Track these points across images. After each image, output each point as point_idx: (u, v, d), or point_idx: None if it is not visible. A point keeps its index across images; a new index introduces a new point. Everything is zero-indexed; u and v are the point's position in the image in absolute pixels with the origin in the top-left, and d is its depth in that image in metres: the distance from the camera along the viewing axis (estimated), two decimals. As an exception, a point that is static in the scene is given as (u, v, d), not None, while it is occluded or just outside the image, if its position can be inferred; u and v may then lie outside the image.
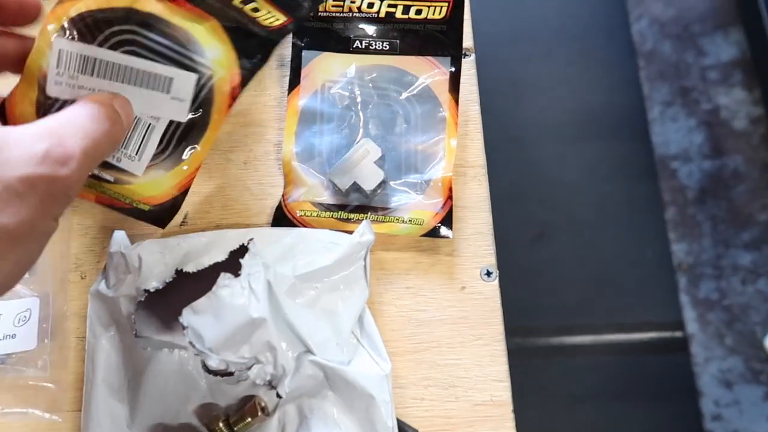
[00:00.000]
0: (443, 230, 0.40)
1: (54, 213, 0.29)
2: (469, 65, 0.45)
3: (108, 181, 0.39)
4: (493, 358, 0.39)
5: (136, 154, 0.38)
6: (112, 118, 0.33)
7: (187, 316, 0.35)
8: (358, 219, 0.41)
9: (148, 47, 0.37)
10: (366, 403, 0.36)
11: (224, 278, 0.36)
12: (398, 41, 0.43)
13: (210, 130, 0.39)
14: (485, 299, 0.40)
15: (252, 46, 0.38)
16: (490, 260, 0.41)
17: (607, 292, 1.13)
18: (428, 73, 0.43)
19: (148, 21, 0.37)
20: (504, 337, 0.40)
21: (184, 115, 0.38)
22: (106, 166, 0.38)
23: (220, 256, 0.38)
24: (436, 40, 0.43)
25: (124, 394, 0.38)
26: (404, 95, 0.43)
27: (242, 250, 0.38)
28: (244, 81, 0.38)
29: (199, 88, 0.38)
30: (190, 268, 0.38)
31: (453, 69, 0.43)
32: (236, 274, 0.36)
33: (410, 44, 0.43)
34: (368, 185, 0.41)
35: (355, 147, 0.41)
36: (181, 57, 0.37)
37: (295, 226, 0.41)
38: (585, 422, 1.06)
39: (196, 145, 0.38)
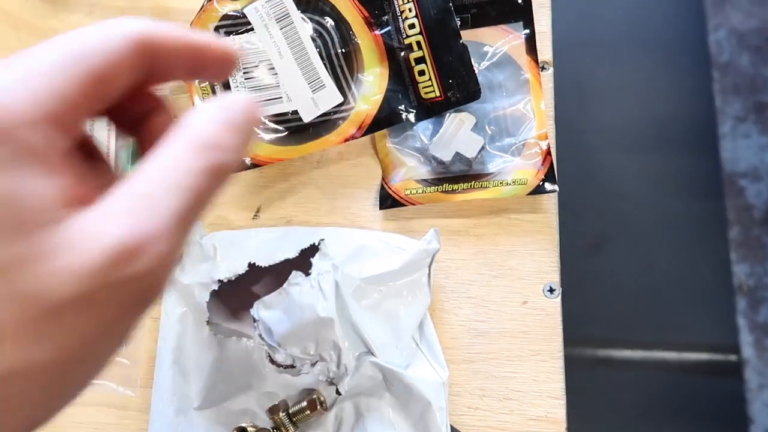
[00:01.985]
0: (548, 186, 0.41)
1: (122, 330, 0.19)
2: (547, 79, 0.45)
3: None
4: (550, 374, 0.39)
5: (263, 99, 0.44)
6: (224, 142, 0.21)
7: (258, 310, 0.37)
8: (464, 189, 0.42)
9: (326, 45, 0.44)
10: (422, 408, 0.37)
11: (295, 276, 0.37)
12: (469, 16, 0.44)
13: (312, 145, 0.43)
14: (546, 315, 0.41)
15: (395, 105, 0.44)
16: (553, 277, 0.41)
17: (661, 308, 1.11)
18: (503, 39, 0.44)
19: (342, 26, 0.42)
20: (562, 355, 0.40)
21: (309, 118, 0.44)
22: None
23: (292, 253, 0.40)
24: (506, 8, 0.44)
25: (191, 376, 0.40)
26: (484, 65, 0.44)
27: (313, 249, 0.39)
28: (369, 130, 0.44)
29: (335, 110, 0.44)
30: (262, 262, 0.39)
31: (527, 32, 0.44)
32: (306, 273, 0.38)
33: (481, 17, 0.44)
34: (470, 152, 0.42)
35: (448, 120, 0.43)
36: (342, 75, 0.43)
37: (403, 205, 0.43)
38: (626, 437, 1.05)
39: (295, 145, 0.43)
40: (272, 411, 0.39)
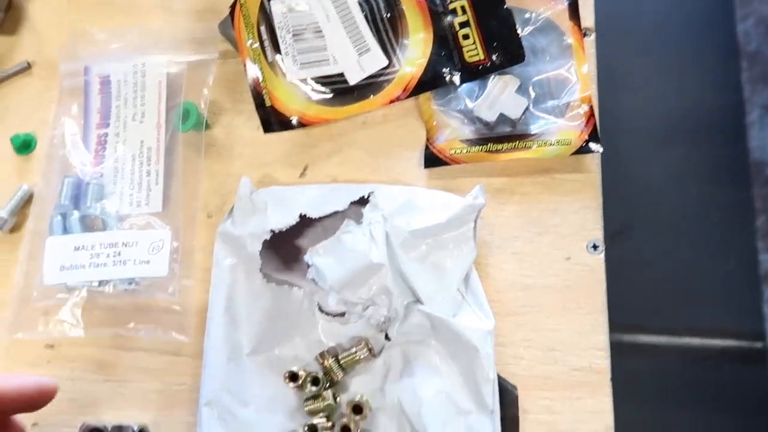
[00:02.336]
0: (592, 145, 0.42)
1: None
2: (589, 45, 0.46)
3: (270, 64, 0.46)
4: (594, 327, 0.40)
5: (301, 63, 0.46)
6: None
7: (311, 256, 0.38)
8: (508, 149, 0.43)
9: (372, 10, 0.45)
10: (469, 355, 0.38)
11: (348, 224, 0.38)
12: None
13: (357, 106, 0.44)
14: (590, 271, 0.41)
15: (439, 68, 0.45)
16: (597, 234, 0.42)
17: (685, 295, 1.10)
18: (545, 5, 0.46)
19: None
20: (606, 309, 0.41)
21: (354, 80, 0.45)
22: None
23: (341, 205, 0.41)
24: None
25: (243, 324, 0.41)
26: (527, 30, 0.45)
27: (362, 202, 0.40)
28: (414, 93, 0.45)
29: (381, 73, 0.45)
30: (313, 213, 0.41)
31: None
32: (357, 223, 0.39)
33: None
34: (514, 113, 0.43)
35: (492, 82, 0.44)
36: (387, 39, 0.45)
37: (447, 164, 0.44)
38: (649, 423, 1.05)
39: (340, 106, 0.44)
40: (322, 356, 0.40)
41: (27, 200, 0.47)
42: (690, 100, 1.20)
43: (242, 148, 0.47)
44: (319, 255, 0.38)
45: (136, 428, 0.40)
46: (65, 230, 0.45)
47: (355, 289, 0.38)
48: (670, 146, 1.17)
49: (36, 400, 0.33)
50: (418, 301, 0.39)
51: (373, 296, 0.38)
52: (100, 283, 0.44)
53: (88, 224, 0.45)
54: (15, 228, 0.47)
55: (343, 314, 0.41)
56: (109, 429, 0.38)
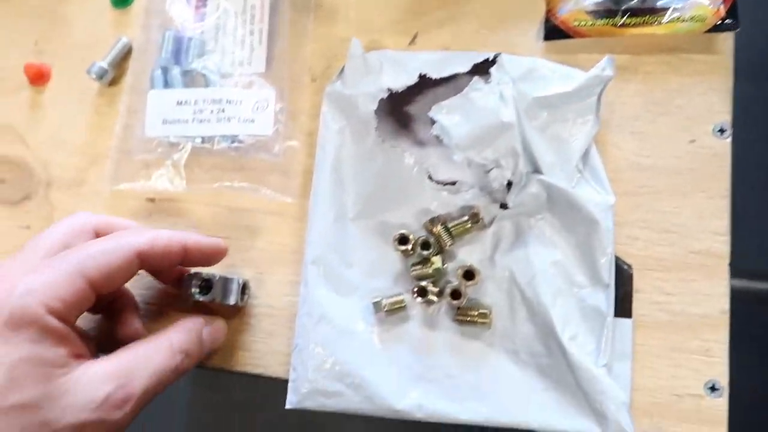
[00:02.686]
0: (728, 23, 0.40)
1: None
2: None
3: None
4: (716, 212, 0.39)
5: None
6: (190, 352, 0.35)
7: (437, 113, 0.37)
8: (636, 23, 0.41)
9: None
10: (588, 228, 0.37)
11: (477, 82, 0.37)
12: None
13: None
14: (714, 155, 0.40)
15: None
16: (724, 118, 0.40)
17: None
18: None
19: None
20: (729, 195, 0.39)
21: None
22: None
23: (464, 67, 0.39)
24: None
25: (349, 187, 0.41)
26: None
27: (486, 64, 0.39)
28: None
29: None
30: (433, 74, 0.39)
31: None
32: (486, 82, 0.37)
33: None
34: None
35: None
36: None
37: (569, 37, 0.42)
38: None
39: None
40: (431, 223, 0.39)
41: (126, 54, 0.46)
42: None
43: (349, 11, 0.45)
44: (444, 112, 0.37)
45: (240, 282, 0.40)
46: (166, 85, 0.44)
47: (481, 149, 0.36)
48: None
49: (212, 258, 0.38)
50: (536, 171, 0.38)
51: (499, 158, 0.36)
52: (204, 139, 0.43)
53: (190, 80, 0.44)
54: (114, 81, 0.46)
55: (453, 183, 0.40)
56: (217, 278, 0.39)
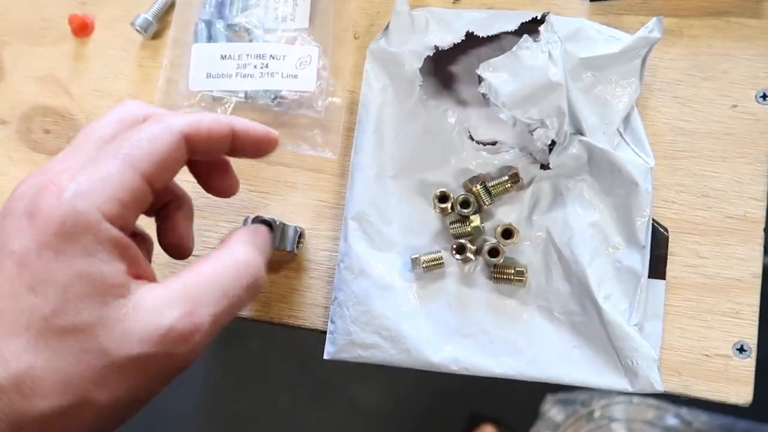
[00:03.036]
0: None
1: (158, 389, 0.27)
2: None
3: None
4: (754, 177, 0.39)
5: None
6: (258, 275, 0.30)
7: (484, 70, 0.37)
8: None
9: None
10: (627, 190, 0.38)
11: (526, 40, 0.37)
12: None
13: None
14: (756, 120, 0.40)
15: None
16: (768, 84, 0.40)
17: None
18: None
19: None
20: (768, 160, 0.40)
21: None
22: None
23: (511, 26, 0.39)
24: None
25: (390, 146, 0.41)
26: None
27: (534, 23, 0.39)
28: None
29: None
30: (481, 32, 0.39)
31: None
32: (534, 41, 0.37)
33: None
34: None
35: None
36: None
37: None
38: None
39: None
40: (470, 182, 0.40)
41: (169, 7, 0.47)
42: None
43: (393, -32, 0.45)
44: (492, 69, 0.37)
45: (298, 229, 0.41)
46: (210, 39, 0.45)
47: (528, 108, 0.37)
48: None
49: (262, 146, 0.33)
50: (579, 132, 0.39)
51: (544, 117, 0.37)
52: (246, 95, 0.44)
53: (233, 34, 0.45)
54: (157, 34, 0.47)
55: (494, 143, 0.40)
56: (278, 223, 0.39)
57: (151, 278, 0.28)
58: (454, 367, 0.39)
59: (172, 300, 0.26)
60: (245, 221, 0.39)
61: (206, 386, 1.19)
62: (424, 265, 0.39)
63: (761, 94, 0.40)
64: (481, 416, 1.18)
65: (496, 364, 0.38)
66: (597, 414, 1.16)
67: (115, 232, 0.26)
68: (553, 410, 1.17)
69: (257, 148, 0.32)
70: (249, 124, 0.32)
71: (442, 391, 1.16)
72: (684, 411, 1.10)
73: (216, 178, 0.34)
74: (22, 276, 0.25)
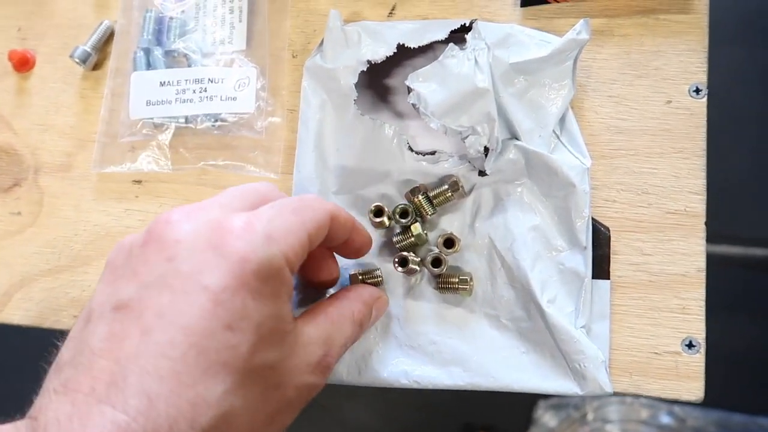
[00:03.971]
0: None
1: (298, 409, 0.30)
2: None
3: None
4: (692, 171, 0.39)
5: None
6: (365, 323, 0.35)
7: (412, 81, 0.37)
8: None
9: None
10: (565, 192, 0.38)
11: (452, 49, 0.37)
12: None
13: None
14: (690, 115, 0.40)
15: None
16: (700, 78, 0.40)
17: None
18: None
19: None
20: (705, 154, 0.40)
21: None
22: None
23: (441, 35, 0.39)
24: None
25: (330, 162, 0.41)
26: None
27: (463, 30, 0.39)
28: None
29: None
30: (411, 44, 0.39)
31: None
32: (461, 49, 0.38)
33: None
34: None
35: None
36: None
37: (546, 2, 0.42)
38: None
39: None
40: (412, 193, 0.40)
41: (108, 37, 0.47)
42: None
43: (327, -15, 0.45)
44: (420, 79, 0.37)
45: None
46: (149, 66, 0.45)
47: (457, 116, 0.37)
48: None
49: (362, 249, 0.36)
50: (514, 137, 0.39)
51: (474, 125, 0.37)
52: (187, 119, 0.44)
53: (172, 61, 0.45)
54: (97, 65, 0.47)
55: (433, 153, 0.40)
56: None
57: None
58: (405, 381, 0.38)
59: (318, 339, 0.30)
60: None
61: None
62: (362, 281, 0.39)
63: (694, 89, 0.40)
64: (474, 426, 1.17)
65: (445, 375, 0.38)
66: (590, 417, 1.15)
67: (290, 277, 0.28)
68: (546, 416, 1.16)
69: (360, 246, 0.36)
70: (360, 227, 0.36)
71: (433, 405, 1.15)
72: (677, 408, 1.10)
73: (324, 266, 0.37)
74: (218, 313, 0.25)
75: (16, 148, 0.46)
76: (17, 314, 0.44)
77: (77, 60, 0.45)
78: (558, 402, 1.15)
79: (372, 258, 0.41)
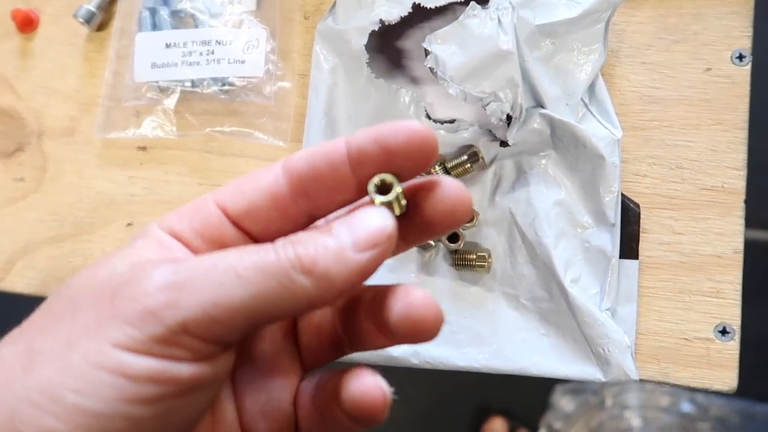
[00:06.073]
0: None
1: None
2: None
3: None
4: (732, 145, 0.36)
5: None
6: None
7: (430, 43, 0.35)
8: None
9: None
10: (593, 164, 0.35)
11: (473, 8, 0.34)
12: None
13: None
14: (732, 84, 0.37)
15: None
16: (744, 43, 0.37)
17: None
18: None
19: None
20: (747, 127, 0.37)
21: None
22: None
23: (460, -5, 0.37)
24: None
25: (342, 128, 0.39)
26: None
27: (485, -11, 0.36)
28: None
29: None
30: (428, 4, 0.37)
31: None
32: (483, 7, 0.35)
33: None
34: None
35: None
36: None
37: None
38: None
39: None
40: (428, 164, 0.38)
41: (113, -4, 0.45)
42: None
43: (342, -58, 0.43)
44: (439, 41, 0.35)
45: None
46: (154, 27, 0.43)
47: (478, 81, 0.34)
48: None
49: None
50: (539, 105, 0.36)
51: (497, 90, 0.34)
52: (193, 83, 0.42)
53: (179, 21, 0.43)
54: (102, 26, 0.45)
55: (452, 121, 0.38)
56: None
57: None
58: (415, 361, 0.36)
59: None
60: None
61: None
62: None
63: (737, 55, 0.37)
64: (490, 409, 1.15)
65: (459, 356, 0.36)
66: (609, 402, 1.13)
67: None
68: (563, 400, 1.14)
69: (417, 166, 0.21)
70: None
71: (449, 386, 1.14)
72: (699, 396, 1.07)
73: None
74: None
75: (20, 112, 0.45)
76: (20, 282, 0.43)
77: (81, 19, 0.43)
78: (576, 386, 1.12)
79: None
